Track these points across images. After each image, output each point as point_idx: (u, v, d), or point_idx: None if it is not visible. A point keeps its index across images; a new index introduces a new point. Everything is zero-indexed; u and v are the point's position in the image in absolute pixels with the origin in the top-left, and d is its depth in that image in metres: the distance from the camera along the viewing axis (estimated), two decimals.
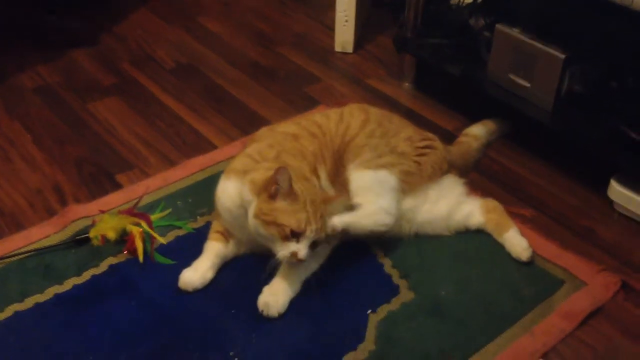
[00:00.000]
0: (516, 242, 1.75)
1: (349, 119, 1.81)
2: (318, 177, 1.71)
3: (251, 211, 1.57)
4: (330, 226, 1.60)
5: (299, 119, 1.84)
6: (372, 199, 1.68)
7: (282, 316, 1.58)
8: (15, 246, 1.74)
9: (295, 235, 1.53)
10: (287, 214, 1.53)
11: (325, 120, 1.81)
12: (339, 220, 1.61)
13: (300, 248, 1.53)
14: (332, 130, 1.78)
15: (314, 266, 1.66)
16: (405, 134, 1.82)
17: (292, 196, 1.54)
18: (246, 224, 1.60)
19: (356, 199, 1.68)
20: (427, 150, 1.83)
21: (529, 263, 1.73)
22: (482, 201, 1.84)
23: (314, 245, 1.57)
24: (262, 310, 1.57)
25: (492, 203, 1.84)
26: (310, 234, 1.53)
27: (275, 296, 1.58)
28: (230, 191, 1.65)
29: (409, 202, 1.76)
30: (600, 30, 1.99)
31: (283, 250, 1.53)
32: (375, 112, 1.87)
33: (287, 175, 1.52)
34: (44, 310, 1.59)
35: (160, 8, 2.99)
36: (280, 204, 1.54)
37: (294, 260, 1.54)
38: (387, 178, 1.71)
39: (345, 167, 1.73)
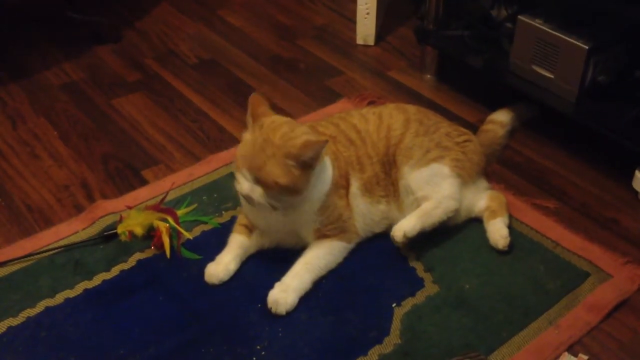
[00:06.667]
0: (497, 228, 1.75)
1: (389, 120, 1.80)
2: (348, 184, 1.71)
3: None
4: (401, 235, 1.66)
5: (338, 120, 1.81)
6: (433, 190, 1.73)
7: (290, 313, 1.59)
8: (45, 242, 1.77)
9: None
10: None
11: (364, 124, 1.79)
12: (410, 228, 1.67)
13: (239, 179, 1.60)
14: (374, 136, 1.77)
15: (329, 265, 1.68)
16: (444, 129, 1.82)
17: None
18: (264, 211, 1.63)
19: (418, 195, 1.73)
20: (468, 144, 1.84)
21: (505, 252, 1.73)
22: (490, 192, 1.85)
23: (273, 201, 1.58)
24: (271, 308, 1.59)
25: (497, 193, 1.85)
26: (242, 169, 1.58)
27: (285, 293, 1.60)
28: None
29: (468, 195, 1.79)
30: (624, 19, 1.97)
31: None
32: (412, 110, 1.85)
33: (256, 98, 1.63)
34: (74, 305, 1.62)
35: (180, 2, 3.00)
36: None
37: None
38: (439, 169, 1.75)
39: (398, 169, 1.75)
